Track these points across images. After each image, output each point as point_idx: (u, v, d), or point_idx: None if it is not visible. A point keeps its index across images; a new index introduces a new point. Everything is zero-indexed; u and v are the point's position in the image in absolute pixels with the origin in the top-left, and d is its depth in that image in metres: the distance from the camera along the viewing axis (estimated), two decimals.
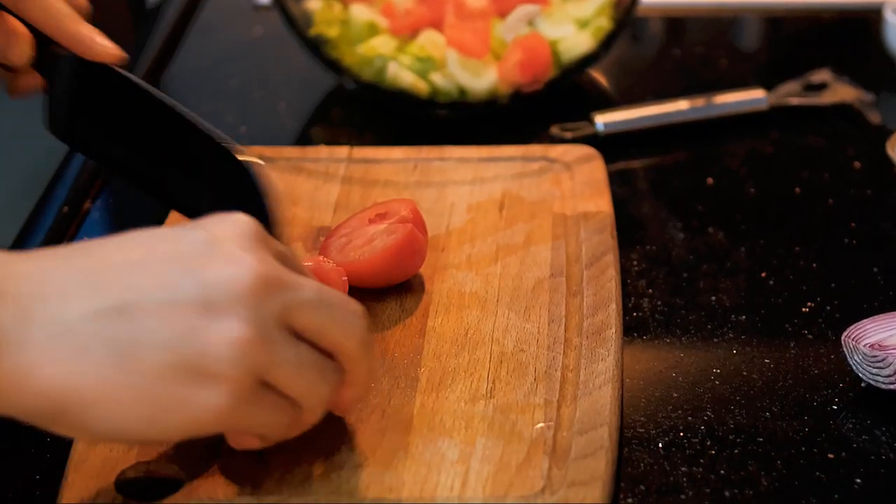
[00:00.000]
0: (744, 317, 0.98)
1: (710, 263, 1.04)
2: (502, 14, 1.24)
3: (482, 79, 1.21)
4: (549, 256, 1.00)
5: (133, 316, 0.71)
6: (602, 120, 1.20)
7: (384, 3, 1.25)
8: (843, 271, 1.03)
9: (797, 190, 1.14)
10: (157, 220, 1.04)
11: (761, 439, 0.87)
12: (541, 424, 0.85)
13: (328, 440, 0.83)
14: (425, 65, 1.21)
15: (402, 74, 1.21)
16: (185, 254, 0.73)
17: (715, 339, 0.96)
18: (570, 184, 1.08)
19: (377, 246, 0.95)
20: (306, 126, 1.27)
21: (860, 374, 0.90)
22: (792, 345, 0.95)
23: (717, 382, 0.92)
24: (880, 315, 0.91)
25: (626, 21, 1.25)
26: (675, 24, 1.42)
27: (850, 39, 1.38)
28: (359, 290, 0.96)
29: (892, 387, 0.88)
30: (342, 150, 1.14)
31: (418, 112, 1.24)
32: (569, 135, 1.20)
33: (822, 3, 1.42)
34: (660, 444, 0.87)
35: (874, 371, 0.88)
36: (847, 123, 1.23)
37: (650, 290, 1.01)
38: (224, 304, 0.72)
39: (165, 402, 0.71)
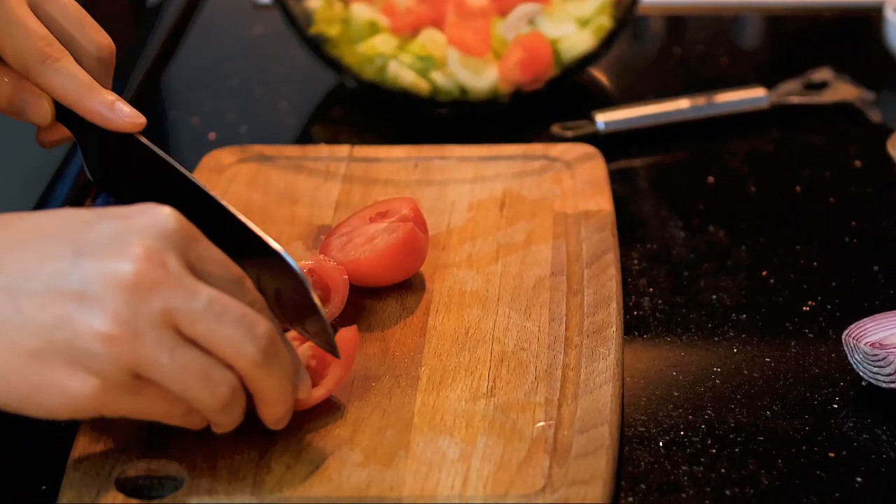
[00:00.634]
0: (744, 315, 0.98)
1: (711, 262, 1.04)
2: (503, 13, 1.24)
3: (483, 77, 1.21)
4: (550, 255, 1.00)
5: (16, 298, 0.73)
6: (603, 119, 1.20)
7: (385, 1, 1.25)
8: (843, 270, 1.03)
9: (798, 188, 1.14)
10: None
11: (762, 438, 0.87)
12: (541, 423, 0.85)
13: (329, 439, 0.83)
14: (426, 63, 1.21)
15: (403, 73, 1.21)
16: (87, 242, 0.75)
17: (716, 338, 0.96)
18: (570, 182, 1.08)
19: (378, 245, 0.95)
20: (307, 125, 1.27)
21: (861, 373, 0.90)
22: (792, 343, 0.95)
23: (717, 381, 0.92)
24: (881, 314, 0.91)
25: (626, 20, 1.25)
26: (676, 22, 1.42)
27: (850, 38, 1.38)
28: (360, 289, 0.96)
29: (892, 385, 0.88)
30: (343, 149, 1.14)
31: (419, 111, 1.24)
32: (569, 133, 1.20)
33: (822, 2, 1.42)
34: (660, 443, 0.87)
35: (875, 370, 0.88)
36: (848, 122, 1.23)
37: (651, 289, 1.01)
38: (98, 297, 0.73)
39: (38, 384, 0.74)
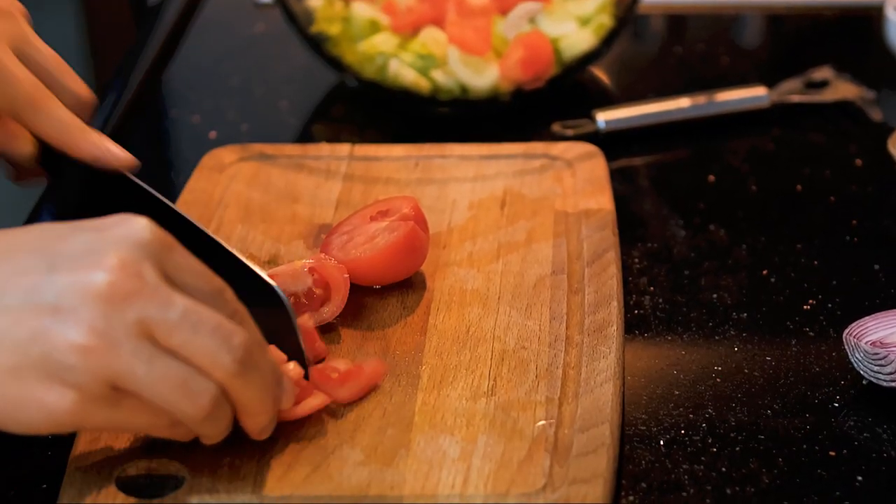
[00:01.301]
0: (745, 314, 0.98)
1: (712, 261, 1.04)
2: (504, 11, 1.24)
3: (483, 76, 1.21)
4: (551, 254, 1.00)
5: None
6: (603, 117, 1.20)
7: (385, 0, 1.25)
8: (844, 269, 1.03)
9: (798, 187, 1.14)
10: None
11: (762, 437, 0.87)
12: (542, 422, 0.85)
13: (330, 437, 0.83)
14: (427, 62, 1.21)
15: (404, 72, 1.21)
16: (61, 255, 0.74)
17: (716, 337, 0.96)
18: (571, 181, 1.08)
19: (379, 243, 0.95)
20: (308, 123, 1.27)
21: (861, 372, 0.89)
22: (793, 342, 0.95)
23: (718, 380, 0.92)
24: (881, 312, 0.91)
25: (627, 18, 1.26)
26: (677, 21, 1.42)
27: (851, 37, 1.38)
28: (360, 288, 0.96)
29: (893, 384, 0.88)
30: (343, 148, 1.14)
31: (420, 109, 1.24)
32: (570, 132, 1.20)
33: (823, 1, 1.42)
34: (661, 442, 0.87)
35: (875, 368, 0.88)
36: (848, 121, 1.23)
37: (651, 288, 1.01)
38: (73, 309, 0.73)
39: (17, 400, 0.73)
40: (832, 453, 0.85)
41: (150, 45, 1.38)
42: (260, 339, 0.79)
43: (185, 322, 0.74)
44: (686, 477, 0.84)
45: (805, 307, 0.99)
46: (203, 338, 0.75)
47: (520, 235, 1.02)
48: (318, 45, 1.25)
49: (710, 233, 1.08)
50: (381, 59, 1.22)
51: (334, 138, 1.22)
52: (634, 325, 0.97)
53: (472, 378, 0.88)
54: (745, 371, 0.92)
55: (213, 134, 1.23)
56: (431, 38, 1.22)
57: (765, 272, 1.03)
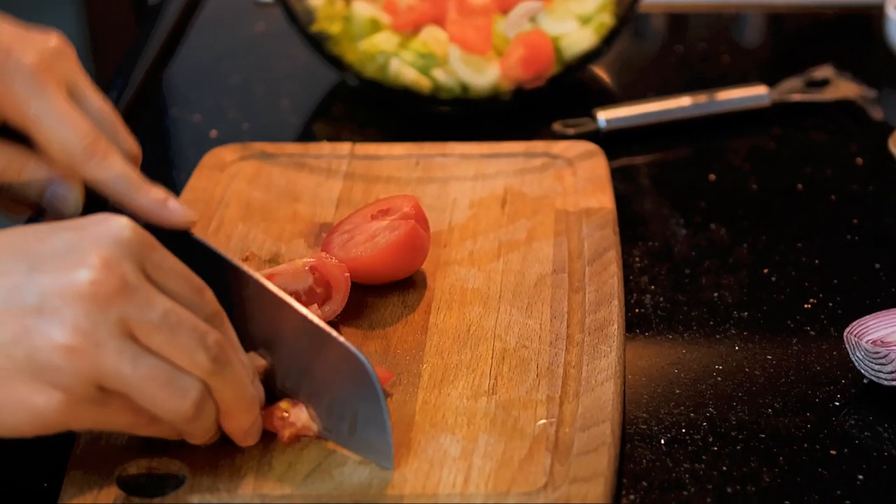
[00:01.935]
0: (746, 313, 0.98)
1: (713, 260, 1.04)
2: (504, 10, 1.24)
3: (484, 75, 1.21)
4: (552, 253, 1.00)
5: None
6: (604, 116, 1.20)
7: None
8: (845, 267, 1.03)
9: (799, 186, 1.14)
10: None
11: (763, 435, 0.87)
12: (543, 421, 0.85)
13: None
14: (427, 61, 1.21)
15: (405, 71, 1.21)
16: (41, 255, 0.74)
17: (717, 336, 0.96)
18: (572, 180, 1.08)
19: (379, 242, 0.95)
20: (308, 122, 1.27)
21: (862, 371, 0.90)
22: (794, 341, 0.95)
23: (719, 379, 0.92)
24: (882, 311, 0.91)
25: (628, 17, 1.25)
26: (677, 20, 1.42)
27: (852, 35, 1.38)
28: (361, 287, 0.96)
29: (894, 383, 0.88)
30: (344, 147, 1.14)
31: (420, 108, 1.24)
32: (571, 131, 1.20)
33: (824, 0, 1.42)
34: (662, 441, 0.87)
35: (876, 367, 0.88)
36: (849, 120, 1.23)
37: (652, 287, 1.01)
38: (56, 309, 0.73)
39: (2, 403, 0.73)
40: (833, 452, 0.85)
41: (151, 44, 1.38)
42: (234, 340, 0.80)
43: (164, 322, 0.74)
44: (687, 476, 0.84)
45: (806, 306, 0.99)
46: (181, 337, 0.75)
47: (520, 234, 1.02)
48: (318, 43, 1.25)
49: (710, 232, 1.08)
50: (381, 57, 1.22)
51: (335, 137, 1.22)
52: (635, 323, 0.97)
53: (473, 377, 0.89)
54: (746, 370, 0.92)
55: (213, 133, 1.23)
56: (432, 36, 1.22)
57: (765, 271, 1.03)
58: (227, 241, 1.02)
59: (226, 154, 1.12)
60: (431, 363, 0.90)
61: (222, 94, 1.30)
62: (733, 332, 0.96)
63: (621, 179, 1.14)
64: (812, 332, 0.96)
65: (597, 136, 1.18)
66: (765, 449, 0.86)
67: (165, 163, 1.21)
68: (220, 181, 1.09)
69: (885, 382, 0.88)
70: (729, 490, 0.83)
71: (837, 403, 0.89)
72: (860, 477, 0.83)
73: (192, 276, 0.78)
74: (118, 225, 0.75)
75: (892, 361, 0.87)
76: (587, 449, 0.82)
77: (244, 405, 0.79)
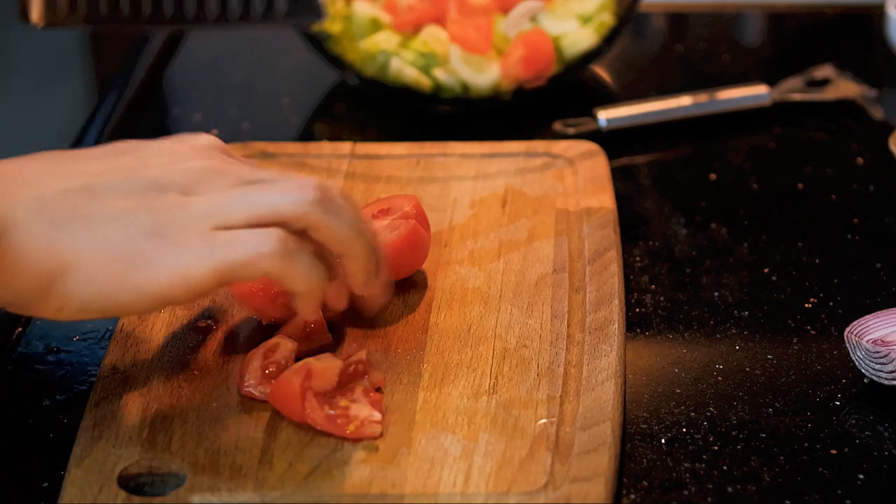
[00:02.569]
0: (746, 312, 0.98)
1: (713, 259, 1.04)
2: (505, 10, 1.24)
3: (485, 74, 1.21)
4: (552, 252, 1.00)
5: (97, 194, 0.80)
6: (605, 115, 1.20)
7: None
8: (845, 267, 1.03)
9: (800, 185, 1.14)
10: None
11: (764, 435, 0.87)
12: (543, 420, 0.85)
13: (331, 436, 0.83)
14: (428, 60, 1.21)
15: (405, 70, 1.21)
16: (139, 151, 0.83)
17: (718, 335, 0.96)
18: (572, 179, 1.08)
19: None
20: (309, 122, 1.27)
21: (863, 370, 0.90)
22: (795, 341, 0.95)
23: (719, 378, 0.92)
24: (883, 311, 0.91)
25: (628, 17, 1.26)
26: (678, 19, 1.42)
27: (852, 35, 1.38)
28: None
29: (894, 382, 0.88)
30: (345, 146, 1.14)
31: (421, 108, 1.24)
32: (571, 130, 1.20)
33: None
34: (662, 440, 0.87)
35: (877, 367, 0.88)
36: (850, 119, 1.23)
37: (653, 286, 1.01)
38: (177, 182, 0.81)
39: (130, 261, 0.78)
40: (833, 451, 0.85)
41: (152, 44, 1.38)
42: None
43: (273, 183, 0.83)
44: (687, 475, 0.84)
45: (806, 305, 0.99)
46: (285, 186, 0.83)
47: (521, 234, 1.02)
48: (319, 43, 1.25)
49: (711, 231, 1.08)
50: (382, 57, 1.22)
51: (336, 136, 1.22)
52: (636, 323, 0.97)
53: (474, 376, 0.89)
54: (747, 369, 0.92)
55: (214, 132, 1.23)
56: (433, 36, 1.22)
57: (766, 270, 1.03)
58: None
59: None
60: (432, 363, 0.90)
61: (223, 94, 1.30)
62: (734, 331, 0.96)
63: (622, 179, 1.14)
64: (812, 332, 0.96)
65: (597, 136, 1.18)
66: (765, 448, 0.86)
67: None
68: None
69: (886, 382, 0.88)
70: (729, 489, 0.83)
71: (838, 403, 0.89)
72: (861, 476, 0.83)
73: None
74: (207, 137, 0.86)
75: (892, 361, 0.87)
76: (588, 448, 0.82)
77: (362, 248, 0.85)
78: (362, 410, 0.84)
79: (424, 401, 0.87)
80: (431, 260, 0.99)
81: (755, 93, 1.23)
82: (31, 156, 0.82)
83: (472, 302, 0.95)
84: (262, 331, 0.92)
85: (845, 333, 0.90)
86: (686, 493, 0.83)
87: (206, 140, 0.86)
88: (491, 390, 0.87)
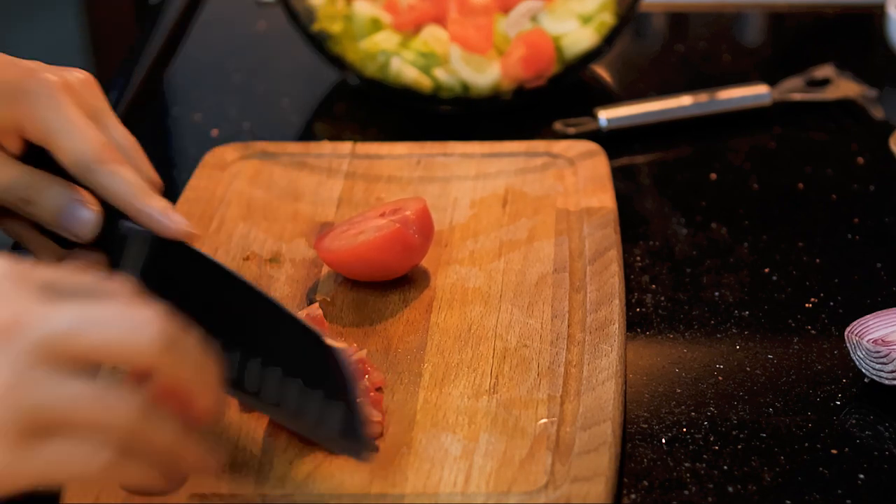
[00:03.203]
0: (747, 312, 0.98)
1: (714, 259, 1.04)
2: (505, 10, 1.24)
3: (485, 74, 1.21)
4: (553, 252, 1.00)
5: None
6: (605, 115, 1.20)
7: None
8: (846, 267, 1.03)
9: (800, 185, 1.14)
10: None
11: (764, 435, 0.87)
12: (544, 420, 0.85)
13: None
14: (428, 60, 1.21)
15: (406, 70, 1.21)
16: None
17: (718, 335, 0.96)
18: (573, 179, 1.08)
19: (358, 238, 0.95)
20: (310, 121, 1.27)
21: (863, 370, 0.90)
22: (795, 340, 0.95)
23: (720, 378, 0.92)
24: (883, 311, 0.91)
25: (629, 16, 1.26)
26: (678, 19, 1.42)
27: (853, 35, 1.38)
28: (363, 285, 0.96)
29: (894, 382, 0.88)
30: (345, 146, 1.14)
31: (421, 107, 1.24)
32: (572, 130, 1.20)
33: None
34: (663, 440, 0.87)
35: (877, 367, 0.88)
36: (850, 119, 1.23)
37: (653, 286, 1.01)
38: None
39: None
40: (834, 451, 0.85)
41: (152, 44, 1.38)
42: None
43: (82, 323, 0.67)
44: (688, 475, 0.84)
45: (807, 305, 0.99)
46: (110, 329, 0.68)
47: (521, 233, 1.02)
48: (319, 43, 1.25)
49: (711, 231, 1.08)
50: (382, 57, 1.22)
51: (336, 136, 1.22)
52: (636, 323, 0.97)
53: (474, 376, 0.89)
54: (747, 369, 0.92)
55: (214, 132, 1.24)
56: (433, 36, 1.22)
57: (766, 270, 1.03)
58: (227, 241, 1.02)
59: (227, 153, 1.12)
60: (432, 362, 0.90)
61: (223, 94, 1.30)
62: (734, 331, 0.96)
63: (622, 179, 1.14)
64: (813, 332, 0.96)
65: (598, 136, 1.18)
66: (766, 448, 0.86)
67: (166, 162, 1.21)
68: (221, 180, 1.09)
69: (886, 382, 0.88)
70: (730, 489, 0.83)
71: (838, 403, 0.89)
72: (861, 476, 0.83)
73: (81, 273, 0.72)
74: None
75: (892, 360, 0.87)
76: (588, 448, 0.82)
77: (203, 375, 0.72)
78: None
79: (425, 400, 0.87)
80: (432, 259, 0.99)
81: (755, 93, 1.23)
82: None
83: (472, 302, 0.95)
84: None
85: (846, 333, 0.90)
86: (686, 492, 0.83)
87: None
88: (491, 390, 0.87)
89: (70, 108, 0.86)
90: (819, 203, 1.11)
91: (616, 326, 0.92)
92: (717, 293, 1.00)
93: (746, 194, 1.13)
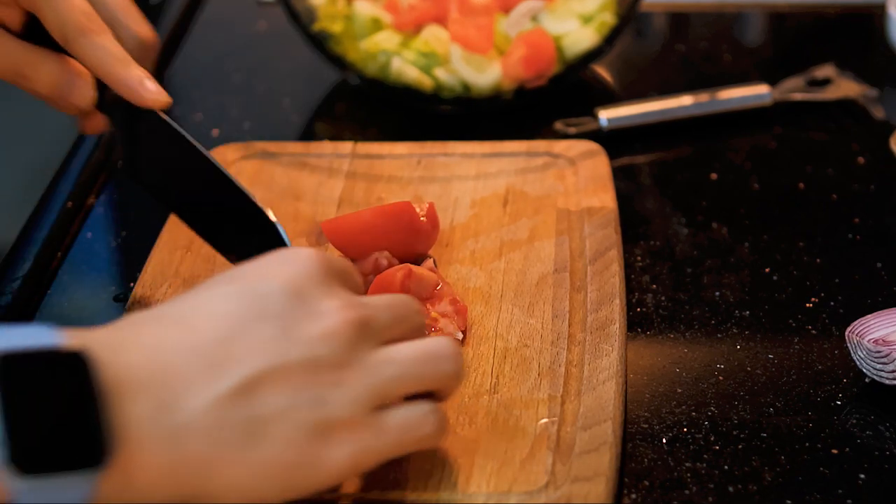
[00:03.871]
0: (747, 312, 0.98)
1: (714, 259, 1.04)
2: (506, 9, 1.24)
3: (486, 74, 1.21)
4: (553, 252, 1.00)
5: (250, 393, 0.71)
6: (606, 115, 1.20)
7: None
8: (846, 266, 1.03)
9: (801, 185, 1.14)
10: (160, 217, 1.04)
11: (765, 435, 0.87)
12: (544, 420, 0.85)
13: None
14: (429, 60, 1.21)
15: (406, 70, 1.21)
16: (273, 314, 0.73)
17: (718, 335, 0.96)
18: (573, 179, 1.08)
19: (365, 209, 0.98)
20: (310, 121, 1.27)
21: (864, 370, 0.90)
22: (796, 340, 0.95)
23: (720, 378, 0.92)
24: (884, 310, 0.91)
25: (629, 16, 1.25)
26: (679, 19, 1.42)
27: (853, 35, 1.38)
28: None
29: (895, 382, 0.88)
30: (346, 146, 1.14)
31: (422, 107, 1.24)
32: (572, 130, 1.20)
33: None
34: (663, 440, 0.87)
35: (878, 366, 0.88)
36: (851, 119, 1.23)
37: (654, 286, 1.01)
38: (328, 356, 0.73)
39: (298, 465, 0.71)
40: (834, 451, 0.85)
41: None
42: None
43: (394, 316, 0.78)
44: (688, 475, 0.84)
45: (807, 305, 0.99)
46: (406, 316, 0.79)
47: (522, 233, 1.02)
48: (320, 42, 1.25)
49: (712, 231, 1.08)
50: (383, 57, 1.22)
51: (337, 136, 1.22)
52: (637, 322, 0.97)
53: (475, 376, 0.89)
54: (748, 369, 0.92)
55: (215, 132, 1.23)
56: (434, 36, 1.22)
57: (767, 270, 1.03)
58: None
59: (228, 153, 1.12)
60: None
61: (224, 93, 1.30)
62: (735, 331, 0.96)
63: (623, 179, 1.14)
64: (813, 332, 0.96)
65: (598, 136, 1.18)
66: (766, 448, 0.86)
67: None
68: None
69: (887, 381, 0.88)
70: (730, 489, 0.83)
71: (839, 402, 0.89)
72: (862, 476, 0.83)
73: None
74: (303, 257, 0.76)
75: (893, 361, 0.87)
76: (589, 448, 0.82)
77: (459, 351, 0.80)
78: (448, 326, 0.89)
79: None
80: None
81: (756, 92, 1.23)
82: (163, 333, 0.71)
83: (473, 301, 0.95)
84: None
85: (846, 333, 0.90)
86: (687, 492, 0.83)
87: (310, 266, 0.76)
88: (492, 390, 0.87)
89: None
90: (819, 203, 1.11)
91: (617, 326, 0.92)
92: (717, 293, 1.00)
93: (747, 194, 1.13)
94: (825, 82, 1.25)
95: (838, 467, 0.84)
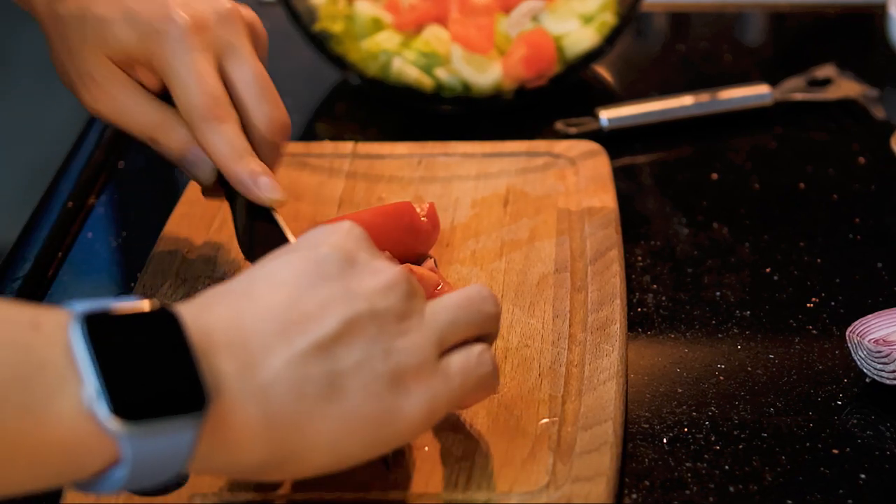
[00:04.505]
0: (748, 312, 0.98)
1: (715, 258, 1.04)
2: (506, 9, 1.24)
3: (486, 74, 1.21)
4: (554, 252, 1.00)
5: (327, 349, 0.72)
6: (606, 115, 1.20)
7: None
8: (847, 266, 1.03)
9: (801, 185, 1.14)
10: (161, 217, 1.04)
11: (765, 435, 0.87)
12: (545, 420, 0.85)
13: None
14: (430, 60, 1.21)
15: (407, 70, 1.21)
16: (332, 275, 0.75)
17: (719, 335, 0.96)
18: (574, 179, 1.08)
19: (365, 209, 0.99)
20: (311, 121, 1.27)
21: (864, 370, 0.90)
22: (796, 340, 0.95)
23: (721, 378, 0.92)
24: (885, 310, 0.91)
25: (630, 16, 1.26)
26: (680, 19, 1.42)
27: (854, 35, 1.38)
28: None
29: None
30: (346, 146, 1.14)
31: (423, 107, 1.24)
32: (573, 130, 1.20)
33: None
34: (664, 440, 0.87)
35: (879, 366, 0.88)
36: (851, 119, 1.23)
37: (655, 286, 1.01)
38: (391, 308, 0.75)
39: (379, 418, 0.73)
40: (835, 451, 0.85)
41: None
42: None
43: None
44: (689, 475, 0.84)
45: (808, 305, 0.99)
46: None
47: (523, 233, 1.02)
48: (321, 42, 1.25)
49: (712, 231, 1.08)
50: (384, 57, 1.22)
51: (337, 136, 1.22)
52: (637, 322, 0.97)
53: None
54: (748, 369, 0.92)
55: None
56: (434, 36, 1.22)
57: (767, 270, 1.03)
58: (230, 240, 1.02)
59: None
60: None
61: None
62: (735, 331, 0.96)
63: (623, 179, 1.14)
64: (814, 332, 0.96)
65: (599, 136, 1.18)
66: (767, 448, 0.86)
67: (168, 161, 1.21)
68: None
69: (887, 382, 0.88)
70: (731, 489, 0.83)
71: (839, 402, 0.89)
72: (862, 476, 0.83)
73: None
74: (346, 228, 0.78)
75: (894, 361, 0.87)
76: (589, 448, 0.82)
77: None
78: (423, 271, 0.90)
79: None
80: None
81: (756, 92, 1.23)
82: (236, 305, 0.72)
83: None
84: None
85: (847, 333, 0.90)
86: (688, 492, 0.83)
87: (356, 233, 0.78)
88: None
89: (193, 54, 0.89)
90: (820, 203, 1.11)
91: (617, 326, 0.92)
92: (718, 293, 1.00)
93: (747, 194, 1.13)
94: (826, 82, 1.25)
95: (839, 467, 0.84)
